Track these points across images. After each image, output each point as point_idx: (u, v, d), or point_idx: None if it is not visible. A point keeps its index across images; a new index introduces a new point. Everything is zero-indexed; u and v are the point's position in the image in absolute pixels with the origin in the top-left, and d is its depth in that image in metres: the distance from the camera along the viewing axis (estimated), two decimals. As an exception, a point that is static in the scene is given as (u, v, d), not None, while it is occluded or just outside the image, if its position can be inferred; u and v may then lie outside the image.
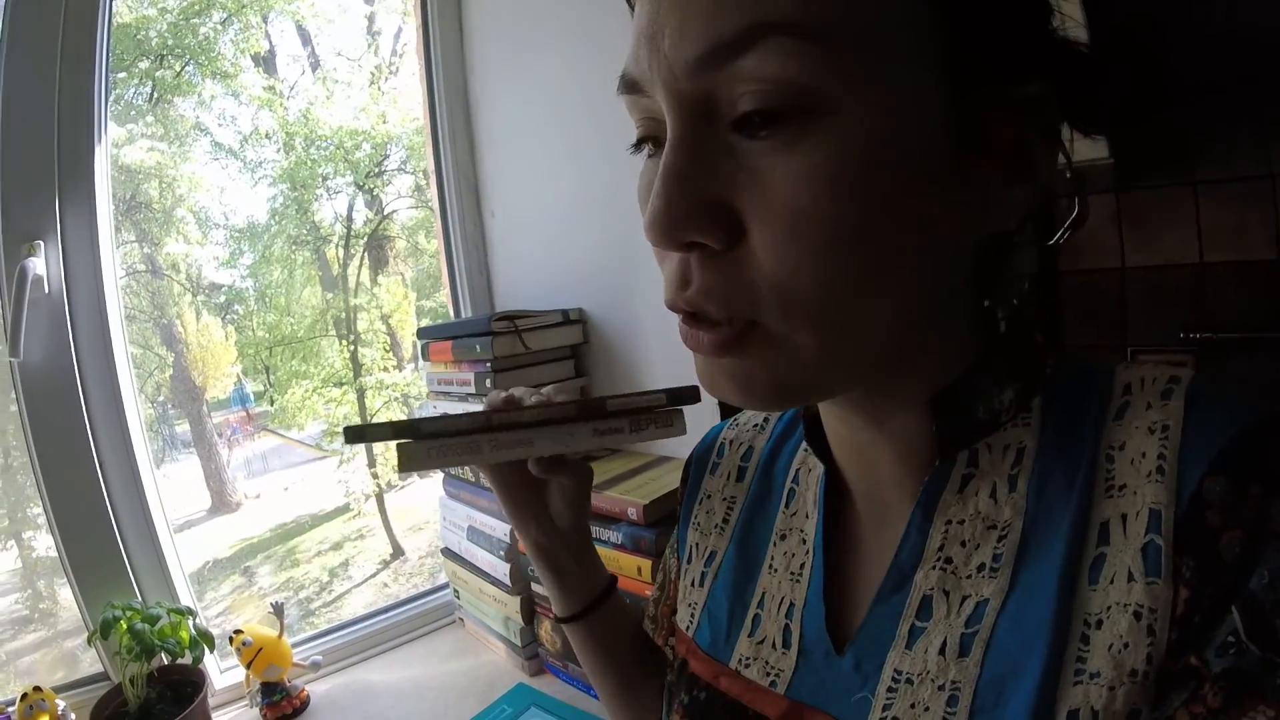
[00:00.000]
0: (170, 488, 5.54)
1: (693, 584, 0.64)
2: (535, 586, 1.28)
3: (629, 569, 1.09)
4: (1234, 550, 0.34)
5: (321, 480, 6.60)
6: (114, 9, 1.22)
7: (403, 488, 6.53)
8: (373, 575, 6.07)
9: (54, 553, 1.20)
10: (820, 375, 0.40)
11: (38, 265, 1.12)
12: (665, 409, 0.54)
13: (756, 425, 0.67)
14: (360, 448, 6.24)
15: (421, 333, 1.52)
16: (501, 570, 1.32)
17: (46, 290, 1.15)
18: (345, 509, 6.46)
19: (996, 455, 0.44)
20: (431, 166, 1.74)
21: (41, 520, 1.19)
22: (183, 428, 6.20)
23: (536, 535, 0.70)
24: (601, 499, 1.16)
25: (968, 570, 0.43)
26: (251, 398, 6.75)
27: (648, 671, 0.74)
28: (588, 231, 1.46)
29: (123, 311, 1.26)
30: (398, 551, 6.22)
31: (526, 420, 0.54)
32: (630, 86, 0.41)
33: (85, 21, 1.16)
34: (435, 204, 1.76)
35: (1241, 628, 0.33)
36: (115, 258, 1.25)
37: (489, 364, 1.33)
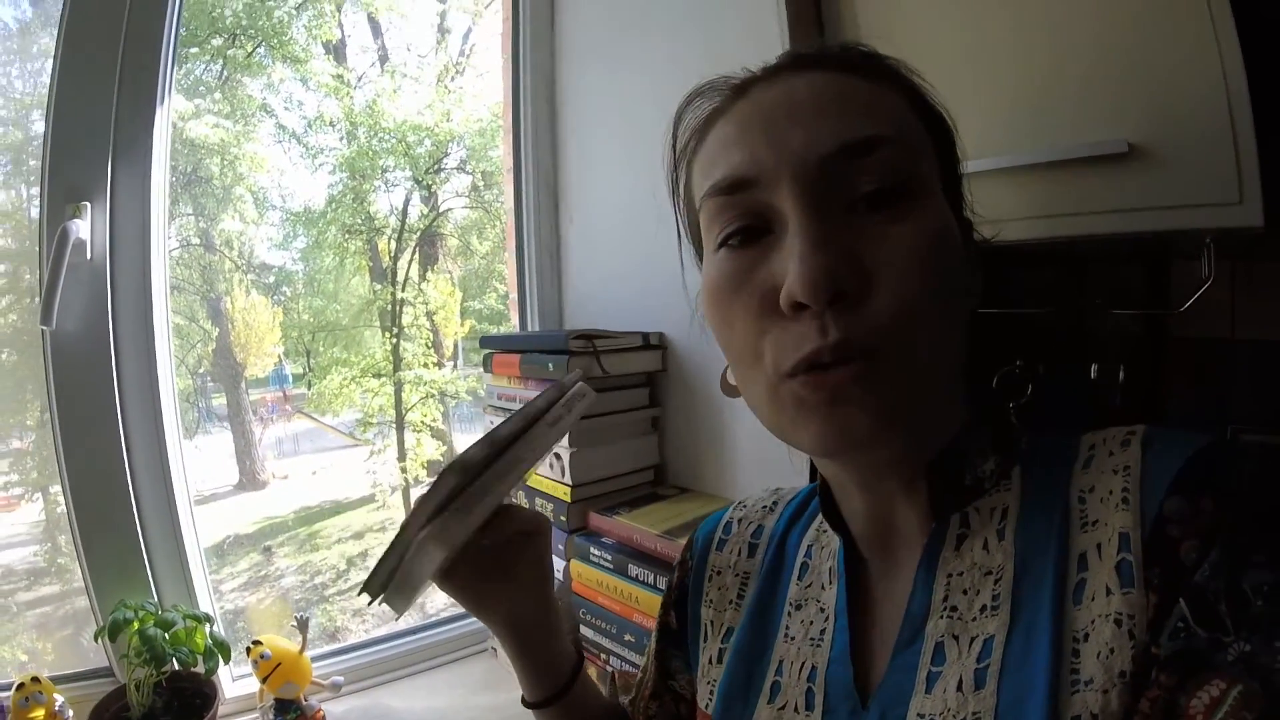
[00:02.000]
0: (201, 460, 5.58)
1: (710, 661, 0.65)
2: (583, 629, 1.17)
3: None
4: (1192, 556, 0.41)
5: (349, 468, 6.57)
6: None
7: (429, 484, 6.49)
8: (391, 569, 6.03)
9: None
10: (922, 390, 0.46)
11: (81, 228, 1.04)
12: None
13: (765, 506, 0.71)
14: (391, 438, 6.25)
15: (485, 341, 1.42)
16: (544, 604, 1.21)
17: (89, 257, 1.06)
18: (370, 499, 6.43)
19: (985, 516, 0.51)
20: (509, 164, 1.64)
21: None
22: (219, 401, 6.23)
23: (507, 613, 0.69)
24: (675, 547, 1.06)
25: (972, 614, 0.48)
26: (290, 379, 6.78)
27: None
28: (675, 246, 1.35)
29: (168, 286, 1.18)
30: (418, 549, 6.17)
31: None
32: (737, 185, 0.49)
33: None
34: (510, 204, 1.66)
35: (1189, 614, 0.39)
36: (165, 228, 1.17)
37: (561, 386, 1.22)
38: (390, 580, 0.58)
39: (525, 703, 0.73)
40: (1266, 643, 0.37)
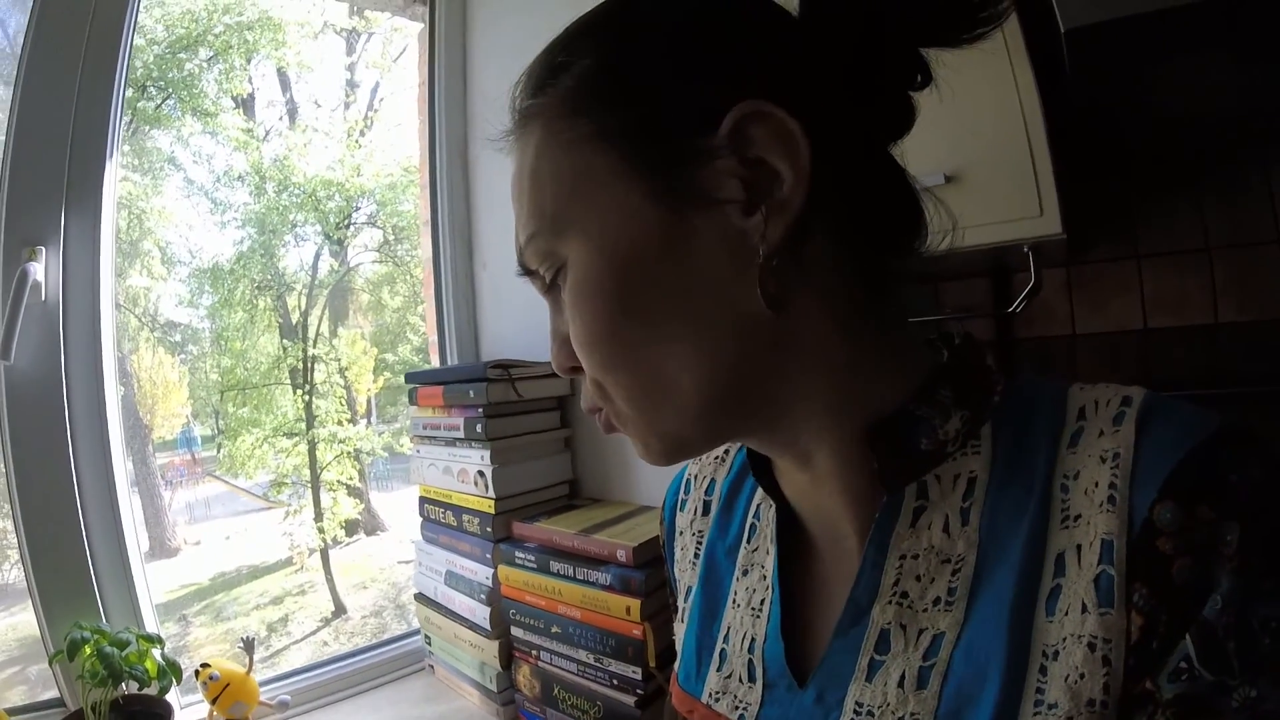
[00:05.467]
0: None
1: (680, 620, 0.66)
2: (514, 630, 1.25)
3: (617, 610, 1.08)
4: (1185, 576, 0.36)
5: (265, 531, 6.34)
6: (137, 21, 1.22)
7: (348, 544, 6.33)
8: (313, 633, 5.81)
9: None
10: (665, 435, 0.48)
11: (38, 271, 1.10)
12: None
13: (717, 458, 0.68)
14: (307, 498, 6.08)
15: (410, 377, 1.51)
16: (481, 614, 1.29)
17: (43, 298, 1.13)
18: (288, 562, 6.21)
19: (946, 486, 0.45)
20: (426, 217, 1.76)
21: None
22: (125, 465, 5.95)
23: None
24: (590, 542, 1.16)
25: (924, 604, 0.44)
26: (199, 441, 6.55)
27: None
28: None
29: (115, 330, 1.24)
30: (340, 609, 5.98)
31: None
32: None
33: (110, 33, 1.17)
34: (428, 253, 1.77)
35: (1194, 654, 0.35)
36: (114, 274, 1.23)
37: (482, 409, 1.33)
38: None
39: None
40: (1275, 689, 0.34)
